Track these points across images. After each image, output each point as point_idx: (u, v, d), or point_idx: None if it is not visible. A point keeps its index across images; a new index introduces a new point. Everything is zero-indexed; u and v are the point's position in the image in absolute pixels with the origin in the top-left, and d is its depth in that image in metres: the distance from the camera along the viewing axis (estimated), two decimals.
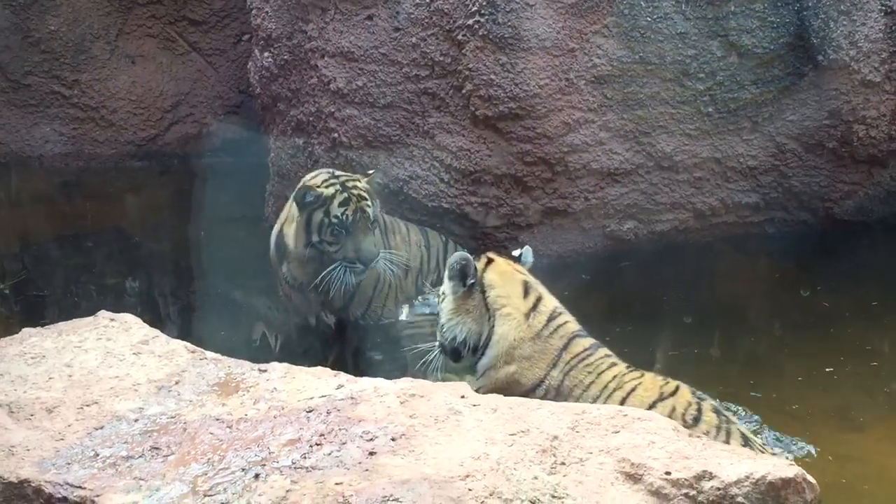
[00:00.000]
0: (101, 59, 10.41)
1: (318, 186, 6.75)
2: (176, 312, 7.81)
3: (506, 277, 5.46)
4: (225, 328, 7.33)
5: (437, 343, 5.63)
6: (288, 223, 6.93)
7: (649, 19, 7.48)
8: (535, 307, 5.36)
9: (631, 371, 5.24)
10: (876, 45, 7.73)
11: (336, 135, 7.96)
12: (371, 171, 7.19)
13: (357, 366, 6.61)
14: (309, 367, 4.46)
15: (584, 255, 7.89)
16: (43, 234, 9.18)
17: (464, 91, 7.57)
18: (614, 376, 5.19)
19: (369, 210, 6.78)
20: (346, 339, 7.06)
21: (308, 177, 6.98)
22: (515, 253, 5.71)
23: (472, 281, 5.44)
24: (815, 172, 8.03)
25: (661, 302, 7.46)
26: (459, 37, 7.48)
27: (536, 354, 5.28)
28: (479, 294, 5.44)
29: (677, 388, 5.13)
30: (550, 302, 5.42)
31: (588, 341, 5.34)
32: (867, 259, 7.88)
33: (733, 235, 8.11)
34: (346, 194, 6.74)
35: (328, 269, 6.70)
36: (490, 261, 5.54)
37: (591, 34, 7.48)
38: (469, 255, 5.55)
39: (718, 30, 7.56)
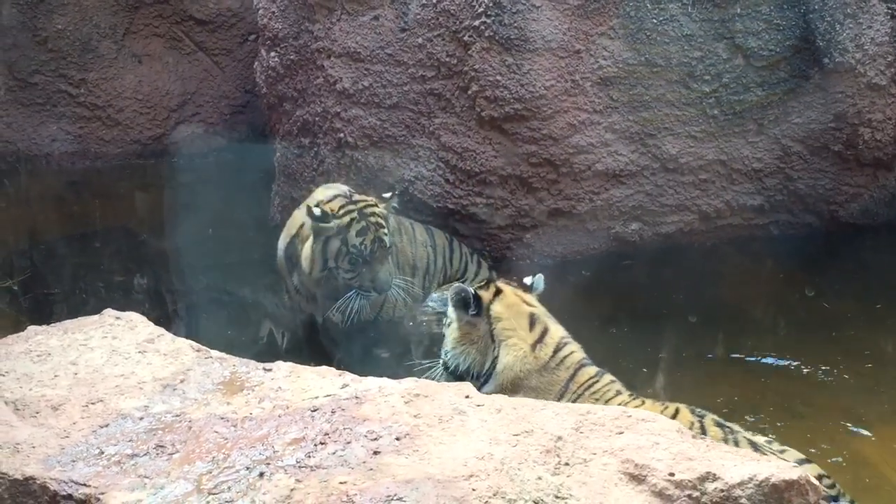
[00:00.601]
0: (108, 58, 10.43)
1: (336, 212, 6.67)
2: (181, 311, 7.81)
3: (513, 310, 5.46)
4: (231, 327, 7.35)
5: (440, 361, 5.63)
6: (301, 241, 6.86)
7: (655, 21, 7.49)
8: (541, 339, 5.38)
9: (633, 398, 5.26)
10: (882, 48, 7.74)
11: (342, 135, 7.97)
12: (387, 195, 7.09)
13: (363, 364, 6.61)
14: (315, 365, 4.46)
15: (588, 256, 7.89)
16: (49, 233, 9.19)
17: (469, 92, 7.58)
18: (619, 404, 5.17)
19: (386, 238, 6.76)
20: (352, 337, 7.06)
21: (323, 195, 6.89)
22: (527, 280, 5.67)
23: (475, 311, 5.44)
24: (821, 175, 8.04)
25: (664, 303, 7.45)
26: (465, 38, 7.50)
27: (543, 386, 5.31)
28: (485, 325, 5.45)
29: (677, 411, 5.15)
30: (556, 333, 5.42)
31: (593, 369, 5.35)
32: (872, 262, 7.89)
33: (738, 237, 8.11)
34: (363, 222, 6.69)
35: (344, 298, 6.67)
36: (498, 291, 5.53)
37: (597, 36, 7.49)
38: (467, 288, 5.50)
39: (724, 32, 7.57)
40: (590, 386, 5.28)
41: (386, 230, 6.78)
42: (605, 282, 7.63)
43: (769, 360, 6.71)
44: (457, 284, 5.72)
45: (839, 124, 7.86)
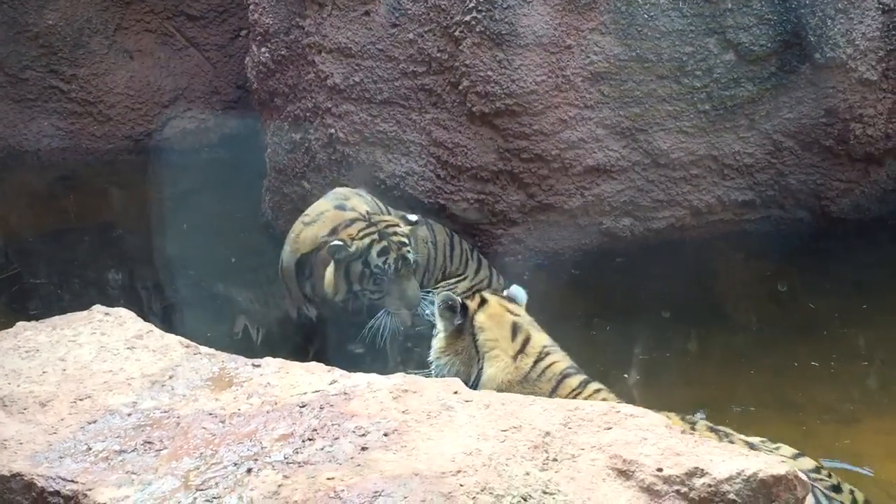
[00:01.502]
0: (99, 53, 10.42)
1: (355, 238, 6.58)
2: (170, 307, 7.81)
3: (495, 320, 5.44)
4: (216, 323, 7.34)
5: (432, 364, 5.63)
6: (320, 263, 6.73)
7: (646, 16, 7.49)
8: (522, 349, 5.34)
9: None
10: (873, 43, 7.74)
11: (333, 130, 7.96)
12: (414, 219, 6.98)
13: (339, 359, 6.59)
14: (290, 360, 4.46)
15: (579, 252, 7.89)
16: (40, 229, 9.18)
17: (460, 87, 7.57)
18: None
19: (410, 256, 6.67)
20: (327, 332, 7.05)
21: (340, 219, 6.76)
22: (513, 290, 5.65)
23: (461, 322, 5.44)
24: (812, 170, 8.04)
25: (652, 300, 7.45)
26: (456, 33, 7.49)
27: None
28: (469, 336, 5.45)
29: (668, 419, 5.09)
30: (538, 343, 5.37)
31: (576, 380, 5.27)
32: (863, 258, 7.87)
33: (730, 233, 8.11)
34: (384, 242, 6.60)
35: (376, 319, 6.57)
36: (483, 302, 5.53)
37: (588, 31, 7.49)
38: (454, 296, 5.51)
39: (715, 27, 7.57)
40: (574, 397, 5.17)
41: (409, 248, 6.69)
42: (594, 278, 7.62)
43: (758, 357, 6.71)
44: (444, 293, 5.72)
45: (830, 119, 7.86)
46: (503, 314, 5.46)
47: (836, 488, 4.94)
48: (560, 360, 5.33)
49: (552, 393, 5.22)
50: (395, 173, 7.86)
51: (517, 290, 5.65)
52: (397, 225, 6.76)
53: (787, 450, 5.07)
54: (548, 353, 5.33)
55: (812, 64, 7.71)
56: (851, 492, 4.97)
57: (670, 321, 7.11)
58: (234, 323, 7.49)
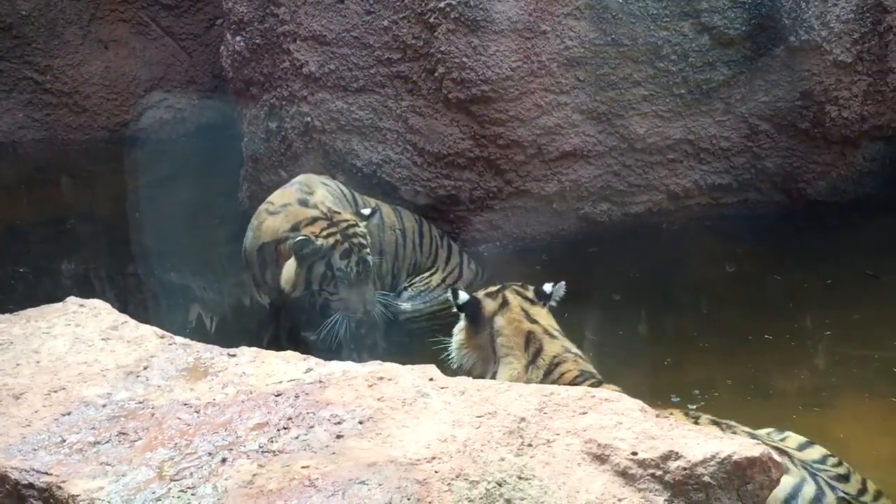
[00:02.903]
0: (74, 44, 10.38)
1: (318, 236, 6.55)
2: (146, 297, 7.79)
3: (512, 327, 5.48)
4: (192, 312, 7.33)
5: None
6: (280, 255, 6.71)
7: (621, 1, 7.49)
8: (533, 360, 5.37)
9: None
10: (847, 25, 7.76)
11: (309, 119, 7.94)
12: (366, 211, 6.99)
13: (293, 347, 6.58)
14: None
15: (557, 238, 7.89)
16: (16, 220, 9.14)
17: (436, 74, 7.56)
18: None
19: (370, 258, 6.70)
20: (280, 320, 7.04)
21: (302, 216, 6.73)
22: (547, 287, 5.66)
23: (477, 320, 5.53)
24: (788, 153, 8.06)
25: (632, 285, 7.45)
26: (431, 19, 7.47)
27: None
28: (488, 336, 5.52)
29: (671, 415, 5.07)
30: (550, 352, 5.37)
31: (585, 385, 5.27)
32: (840, 239, 7.89)
33: (707, 216, 8.13)
34: (346, 244, 6.60)
35: (330, 322, 6.59)
36: (504, 304, 5.56)
37: (563, 16, 7.48)
38: (479, 298, 5.57)
39: (690, 11, 7.57)
40: None
41: (369, 250, 6.71)
42: (570, 262, 7.61)
43: (737, 340, 6.72)
44: (462, 293, 5.68)
45: (806, 102, 7.88)
46: (521, 321, 5.49)
47: (844, 478, 4.90)
48: (571, 368, 5.33)
49: None
50: (372, 161, 7.85)
51: (549, 288, 5.67)
52: (356, 224, 6.74)
53: (796, 438, 5.05)
54: (558, 364, 5.34)
55: (787, 47, 7.73)
56: (863, 482, 4.93)
57: (647, 306, 7.11)
58: (209, 312, 7.47)
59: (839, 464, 4.95)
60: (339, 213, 6.79)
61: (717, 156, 7.96)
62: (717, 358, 6.52)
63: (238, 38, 8.37)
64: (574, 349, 5.45)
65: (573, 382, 5.23)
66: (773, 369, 6.36)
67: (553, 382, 5.22)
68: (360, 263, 6.63)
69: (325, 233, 6.61)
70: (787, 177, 8.11)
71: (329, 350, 6.46)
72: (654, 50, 7.59)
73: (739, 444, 3.76)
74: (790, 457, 4.82)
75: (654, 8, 7.52)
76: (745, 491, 3.72)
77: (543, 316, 5.55)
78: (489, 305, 5.56)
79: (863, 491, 4.87)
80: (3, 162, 10.23)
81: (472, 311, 5.55)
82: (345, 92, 7.82)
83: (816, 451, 4.98)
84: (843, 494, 4.76)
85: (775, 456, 3.84)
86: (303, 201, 6.84)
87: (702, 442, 3.76)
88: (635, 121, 7.73)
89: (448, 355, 5.74)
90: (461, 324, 5.65)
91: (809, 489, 4.63)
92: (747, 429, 5.03)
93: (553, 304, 5.67)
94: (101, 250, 8.53)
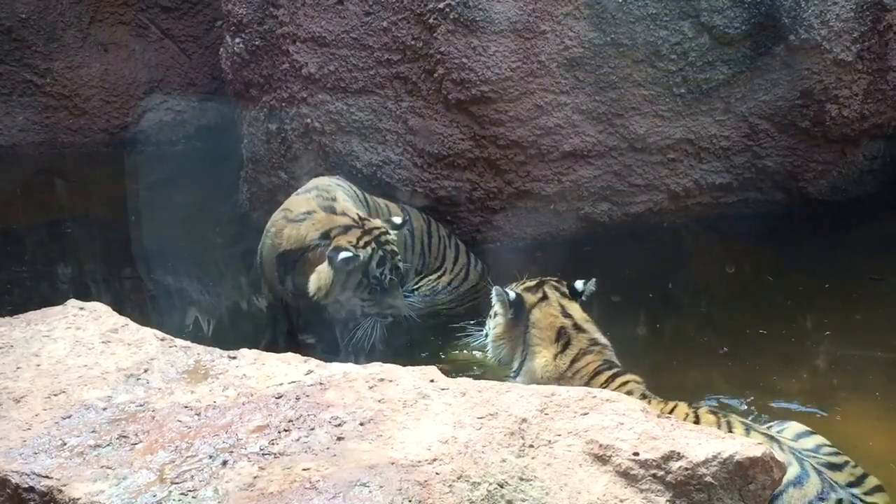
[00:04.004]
0: (74, 46, 10.38)
1: (356, 246, 6.50)
2: (147, 300, 7.78)
3: (547, 321, 5.82)
4: (193, 315, 7.32)
5: (484, 331, 6.14)
6: (307, 263, 6.65)
7: (620, 1, 7.48)
8: (562, 351, 5.72)
9: (641, 397, 5.37)
10: (847, 24, 7.75)
11: (309, 120, 7.93)
12: (398, 220, 6.97)
13: (292, 349, 6.58)
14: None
15: (558, 238, 7.89)
16: (16, 223, 9.13)
17: (436, 75, 7.55)
18: None
19: (402, 266, 6.74)
20: (278, 323, 7.03)
21: (330, 224, 6.66)
22: (579, 284, 6.00)
23: (512, 315, 5.87)
24: (789, 152, 8.05)
25: (634, 284, 7.44)
26: (430, 20, 7.46)
27: None
28: (522, 327, 5.86)
29: (675, 406, 5.27)
30: (578, 345, 5.74)
31: (604, 376, 5.59)
32: (841, 239, 7.88)
33: (708, 216, 8.12)
34: (381, 252, 6.57)
35: (362, 327, 6.57)
36: (543, 298, 5.91)
37: (563, 16, 7.47)
38: (518, 291, 5.91)
39: (689, 10, 7.56)
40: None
41: (400, 257, 6.76)
42: (571, 262, 7.59)
43: (738, 340, 6.70)
44: (499, 289, 5.95)
45: (806, 101, 7.87)
46: (556, 316, 5.85)
47: (836, 467, 4.92)
48: (594, 359, 5.67)
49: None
50: (372, 162, 7.84)
51: (580, 285, 6.02)
52: (388, 231, 6.74)
53: (795, 428, 5.13)
54: (585, 354, 5.70)
55: (787, 46, 7.72)
56: (861, 475, 4.94)
57: (648, 304, 7.11)
58: (209, 315, 7.46)
59: (835, 454, 4.98)
60: (369, 220, 6.78)
61: (717, 155, 7.95)
62: (717, 358, 6.52)
63: (237, 40, 8.37)
64: (602, 340, 5.79)
65: (597, 370, 5.61)
66: (773, 368, 6.34)
67: (577, 371, 5.66)
68: (394, 270, 6.63)
69: (361, 242, 6.57)
70: (788, 176, 8.10)
71: (362, 353, 6.50)
72: (653, 50, 7.59)
73: (741, 444, 3.76)
74: (779, 443, 4.91)
75: (654, 8, 7.51)
76: (748, 491, 3.72)
77: (577, 310, 5.92)
78: (530, 299, 5.91)
79: (855, 483, 4.90)
80: (2, 165, 10.23)
81: (518, 307, 5.86)
82: (344, 93, 7.81)
83: (812, 441, 5.05)
84: (830, 481, 4.80)
85: (777, 455, 3.84)
86: (328, 208, 6.78)
87: (703, 442, 3.76)
88: (635, 120, 7.72)
89: (467, 336, 6.36)
90: (500, 318, 5.95)
91: (793, 470, 4.65)
92: (745, 420, 5.09)
93: (584, 299, 6.01)
94: (100, 253, 8.53)
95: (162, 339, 4.59)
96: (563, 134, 7.66)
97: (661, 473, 3.67)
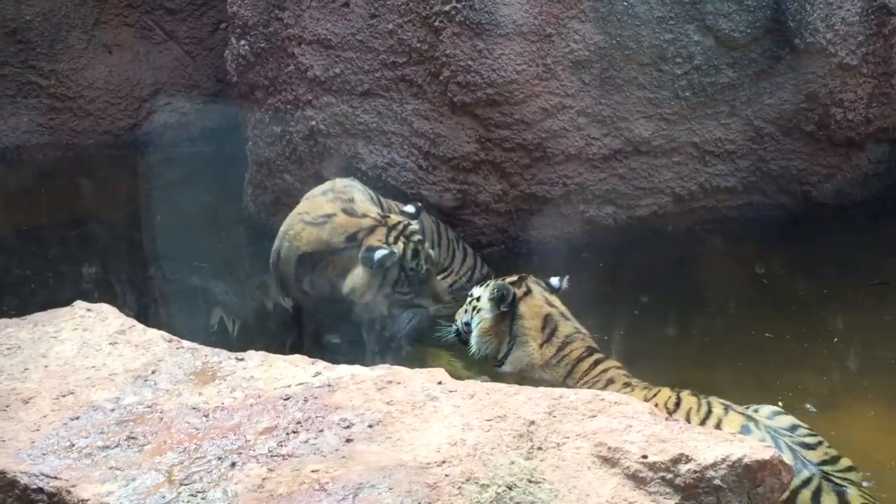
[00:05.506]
0: (78, 48, 10.38)
1: (388, 244, 6.56)
2: (153, 302, 7.78)
3: (533, 311, 6.09)
4: (200, 317, 7.32)
5: (453, 326, 6.41)
6: (331, 266, 6.69)
7: (626, 4, 7.48)
8: (548, 339, 6.01)
9: (624, 385, 5.62)
10: (853, 28, 7.75)
11: (314, 122, 7.93)
12: (410, 209, 7.03)
13: (317, 350, 6.60)
14: (278, 352, 4.46)
15: (563, 241, 7.88)
16: (21, 224, 9.14)
17: (441, 77, 7.55)
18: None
19: (432, 252, 6.84)
20: (303, 323, 7.04)
21: (355, 225, 6.69)
22: (554, 281, 6.30)
23: (506, 309, 6.07)
24: (794, 156, 8.05)
25: (639, 287, 7.44)
26: (436, 23, 7.47)
27: (548, 378, 5.91)
28: (509, 318, 6.09)
29: (659, 391, 5.47)
30: (563, 332, 6.03)
31: (587, 363, 5.87)
32: (845, 243, 7.88)
33: (712, 219, 8.12)
34: (412, 245, 6.64)
35: (405, 318, 6.70)
36: (528, 292, 6.16)
37: (568, 19, 7.48)
38: (511, 288, 6.11)
39: (695, 14, 7.57)
40: (582, 378, 5.82)
41: (427, 243, 6.83)
42: (575, 265, 7.59)
43: (740, 342, 6.71)
44: (497, 282, 6.20)
45: (811, 105, 7.87)
46: (541, 306, 6.13)
47: (810, 446, 5.04)
48: (579, 346, 5.97)
49: (566, 377, 5.89)
50: (377, 164, 7.84)
51: (556, 282, 6.31)
52: (410, 223, 6.80)
53: (769, 408, 5.26)
54: (569, 343, 5.99)
55: (792, 49, 7.72)
56: (835, 456, 5.07)
57: (652, 307, 7.12)
58: (218, 316, 7.46)
59: (810, 434, 5.13)
60: (390, 217, 6.83)
61: (722, 158, 7.95)
62: (720, 359, 6.53)
63: (242, 42, 8.37)
64: (583, 329, 6.08)
65: (580, 357, 5.90)
66: (778, 371, 6.35)
67: (563, 357, 5.94)
68: (427, 259, 6.71)
69: (391, 238, 6.62)
70: (793, 179, 8.10)
71: (353, 342, 6.65)
72: (659, 53, 7.59)
73: (750, 448, 3.76)
74: (756, 422, 5.08)
75: (659, 11, 7.51)
76: (756, 494, 3.72)
77: (558, 302, 6.19)
78: (517, 291, 6.14)
79: (829, 462, 5.03)
80: (7, 166, 10.22)
81: (511, 302, 6.08)
82: (350, 96, 7.82)
83: (786, 420, 5.20)
84: (803, 458, 4.94)
85: (785, 459, 3.85)
86: (348, 210, 6.80)
87: (712, 445, 3.76)
88: (640, 124, 7.72)
89: (440, 333, 6.47)
90: (485, 314, 6.14)
91: (789, 461, 4.70)
92: (724, 401, 5.27)
93: (561, 290, 6.30)
94: (106, 254, 8.52)
95: (169, 341, 4.60)
96: (568, 137, 7.66)
97: (669, 476, 3.67)
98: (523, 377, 5.89)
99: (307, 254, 6.74)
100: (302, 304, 6.96)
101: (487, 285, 6.26)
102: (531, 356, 6.00)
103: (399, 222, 6.74)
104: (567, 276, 6.31)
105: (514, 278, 6.25)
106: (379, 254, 6.46)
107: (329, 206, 6.82)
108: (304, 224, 6.80)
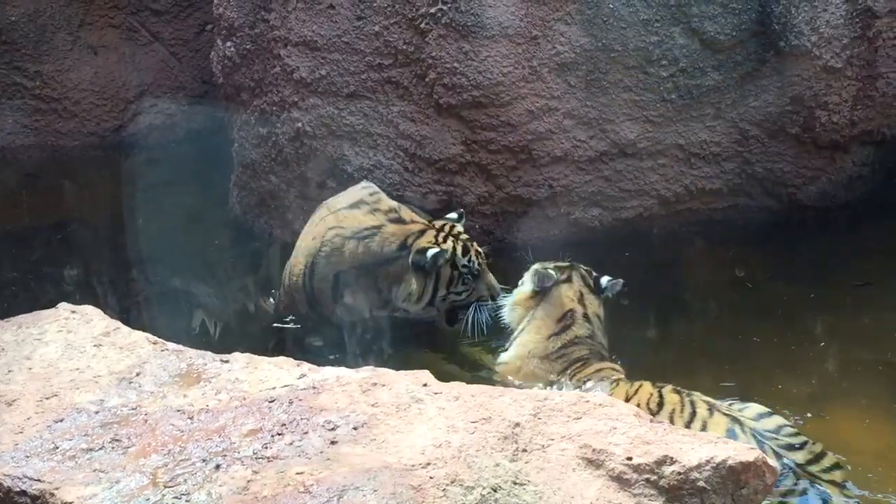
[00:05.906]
0: (63, 49, 10.36)
1: (441, 245, 6.67)
2: (138, 304, 7.76)
3: (559, 300, 6.19)
4: (185, 319, 7.31)
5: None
6: (384, 277, 6.77)
7: (612, 6, 7.49)
8: (559, 333, 6.09)
9: (612, 384, 5.66)
10: (837, 30, 7.77)
11: (300, 124, 7.93)
12: (454, 215, 7.10)
13: (299, 352, 6.59)
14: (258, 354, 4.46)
15: (549, 243, 7.88)
16: (5, 226, 9.10)
17: (427, 79, 7.56)
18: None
19: (482, 248, 6.92)
20: (347, 336, 7.04)
21: (401, 231, 6.79)
22: (604, 280, 6.38)
23: (539, 290, 6.22)
24: (779, 158, 8.06)
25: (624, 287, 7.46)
26: (422, 25, 7.47)
27: (540, 371, 6.02)
28: (539, 299, 6.22)
29: (640, 386, 5.50)
30: (574, 332, 6.09)
31: (590, 365, 5.90)
32: (830, 244, 7.89)
33: (698, 221, 8.12)
34: (462, 243, 6.75)
35: (468, 315, 6.73)
36: (568, 280, 6.27)
37: (554, 21, 7.49)
38: (553, 273, 6.24)
39: (681, 16, 7.58)
40: (573, 374, 5.88)
41: (476, 242, 6.93)
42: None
43: (725, 345, 6.72)
44: (545, 264, 6.37)
45: (796, 107, 7.89)
46: (570, 299, 6.20)
47: (795, 447, 5.07)
48: (584, 352, 5.99)
49: (561, 374, 5.94)
50: (363, 166, 7.84)
51: (605, 282, 6.36)
52: (454, 224, 6.91)
53: (755, 408, 5.30)
54: (576, 343, 6.05)
55: (777, 52, 7.74)
56: (819, 453, 5.10)
57: (638, 309, 7.12)
58: (203, 319, 7.45)
59: (794, 434, 5.16)
60: (433, 220, 6.95)
61: (707, 161, 7.96)
62: (705, 361, 6.54)
63: (228, 44, 8.36)
64: (601, 339, 6.14)
65: (577, 359, 5.95)
66: (764, 374, 6.36)
67: (562, 355, 6.00)
68: (479, 255, 6.81)
69: (440, 238, 6.74)
70: (778, 182, 8.11)
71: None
72: (644, 55, 7.60)
73: (734, 449, 3.77)
74: (742, 424, 5.10)
75: (645, 13, 7.53)
76: (740, 495, 3.74)
77: (593, 303, 6.24)
78: (559, 277, 6.24)
79: (813, 461, 5.07)
80: None
81: (546, 282, 6.23)
82: (336, 97, 7.81)
83: (772, 422, 5.22)
84: (787, 462, 4.98)
85: (770, 461, 3.86)
86: (396, 219, 6.87)
87: (696, 447, 3.77)
88: (626, 126, 7.73)
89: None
90: (527, 288, 6.30)
91: (773, 463, 4.72)
92: (708, 398, 5.31)
93: (609, 296, 6.37)
94: (91, 256, 8.49)
95: (154, 343, 4.60)
96: (554, 139, 7.67)
97: (654, 478, 3.68)
98: (518, 369, 6.02)
99: (352, 268, 6.76)
100: (338, 319, 6.95)
101: (536, 264, 6.38)
102: (536, 344, 6.07)
103: (445, 224, 6.87)
104: (622, 282, 6.37)
105: (565, 264, 6.36)
106: (431, 253, 6.58)
107: (370, 219, 6.86)
108: (343, 239, 6.79)
